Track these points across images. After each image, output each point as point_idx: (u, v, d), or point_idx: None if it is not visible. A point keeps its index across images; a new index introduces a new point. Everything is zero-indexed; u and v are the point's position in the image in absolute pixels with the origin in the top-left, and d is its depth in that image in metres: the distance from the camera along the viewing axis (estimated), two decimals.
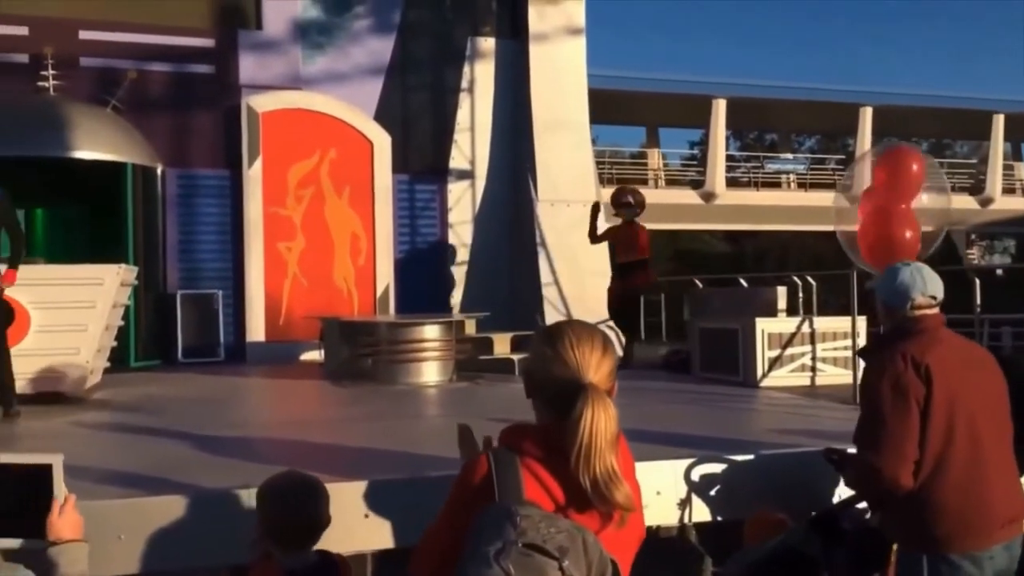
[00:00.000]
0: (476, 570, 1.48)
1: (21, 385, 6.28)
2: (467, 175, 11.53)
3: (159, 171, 10.17)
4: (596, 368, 1.78)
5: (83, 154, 9.42)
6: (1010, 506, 2.74)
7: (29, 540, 1.82)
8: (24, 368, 6.33)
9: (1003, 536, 2.71)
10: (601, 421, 1.68)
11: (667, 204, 25.29)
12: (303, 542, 2.39)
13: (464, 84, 11.61)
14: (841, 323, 7.46)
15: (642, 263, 9.07)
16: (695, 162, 31.16)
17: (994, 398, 2.83)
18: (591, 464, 1.66)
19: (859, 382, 2.92)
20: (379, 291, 10.85)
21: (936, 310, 2.91)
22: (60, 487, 1.87)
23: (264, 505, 2.43)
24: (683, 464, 4.22)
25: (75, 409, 6.29)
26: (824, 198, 26.68)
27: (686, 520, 4.19)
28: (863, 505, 3.15)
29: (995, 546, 2.69)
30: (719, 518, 4.19)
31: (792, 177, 30.79)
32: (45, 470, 1.87)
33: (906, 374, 2.71)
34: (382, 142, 10.93)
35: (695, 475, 4.21)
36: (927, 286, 2.88)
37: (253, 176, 10.35)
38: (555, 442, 1.71)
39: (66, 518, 1.86)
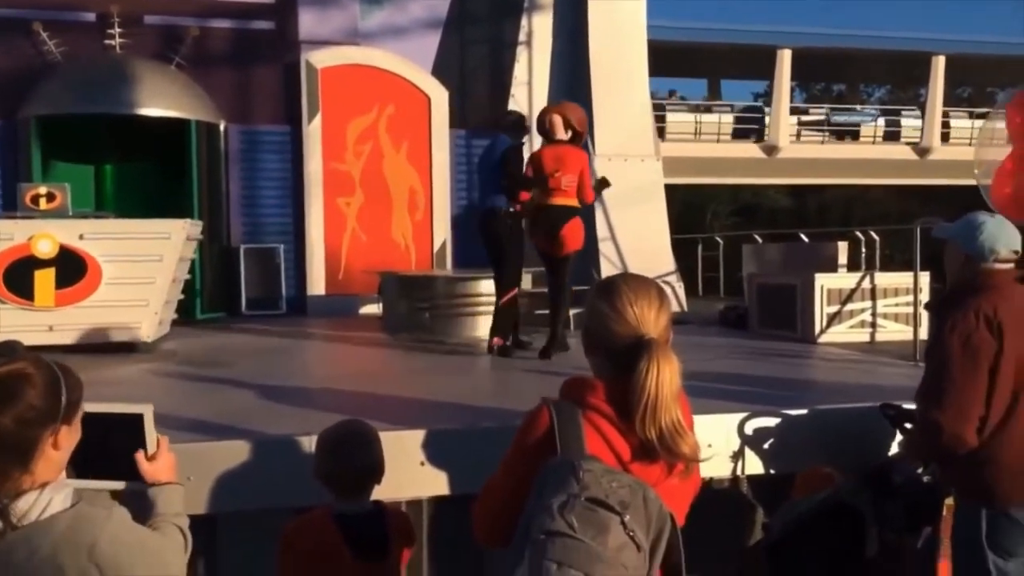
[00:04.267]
0: (540, 523, 1.51)
1: (94, 336, 6.54)
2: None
3: (222, 127, 10.35)
4: (655, 322, 1.78)
5: (150, 111, 9.63)
6: None
7: (131, 483, 1.93)
8: (97, 319, 6.58)
9: None
10: (666, 375, 1.68)
11: (728, 158, 24.88)
12: (355, 489, 2.46)
13: (522, 37, 11.50)
14: (903, 279, 7.32)
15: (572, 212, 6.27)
16: (757, 114, 30.44)
17: None
18: (657, 418, 1.67)
19: (928, 337, 2.87)
20: (436, 246, 10.94)
21: (1012, 265, 2.86)
22: (152, 435, 1.97)
23: (319, 452, 2.52)
24: (737, 418, 4.23)
25: (145, 358, 6.53)
26: (894, 151, 25.94)
27: (739, 472, 4.21)
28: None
29: None
30: (772, 471, 4.21)
31: (861, 129, 29.91)
32: (137, 419, 1.97)
33: (978, 331, 2.68)
34: (439, 97, 10.93)
35: (749, 429, 4.22)
36: (1012, 239, 2.84)
37: (312, 132, 10.46)
38: (616, 396, 1.72)
39: (161, 461, 1.95)
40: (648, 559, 1.54)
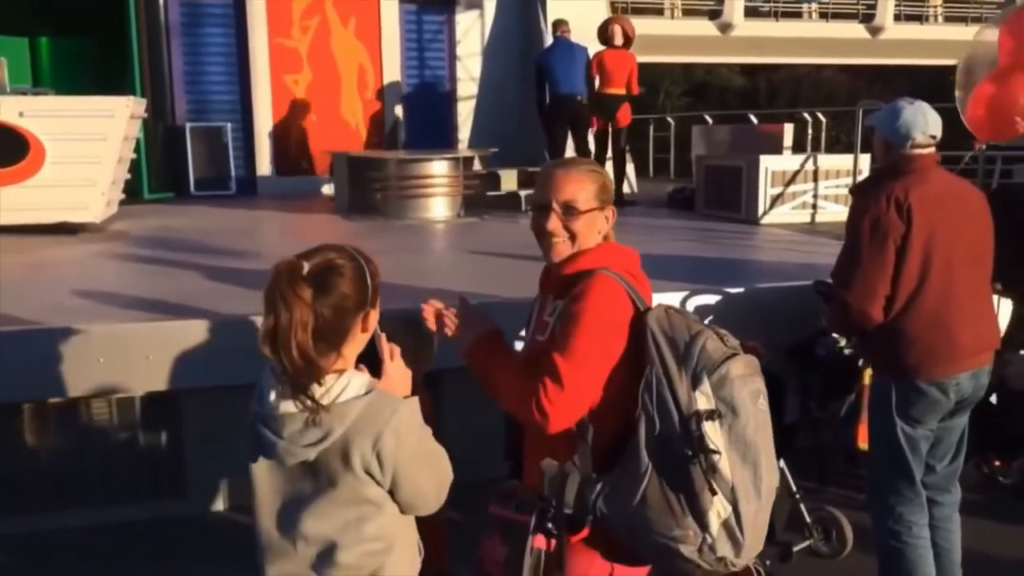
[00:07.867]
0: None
1: (41, 216, 6.46)
2: (475, 5, 11.19)
3: None
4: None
5: None
6: (979, 339, 2.89)
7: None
8: (43, 200, 6.49)
9: (970, 365, 2.87)
10: None
11: (682, 36, 24.50)
12: None
13: None
14: (844, 161, 7.49)
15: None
16: None
17: (975, 238, 2.92)
18: None
19: (847, 219, 3.02)
20: (388, 126, 10.81)
21: (932, 149, 2.95)
22: (384, 343, 1.84)
23: None
24: (677, 297, 4.42)
25: (94, 239, 6.49)
26: (845, 29, 25.77)
27: None
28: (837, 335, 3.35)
29: (961, 374, 2.85)
30: None
31: (814, 7, 29.53)
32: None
33: (887, 214, 2.80)
34: None
35: (689, 307, 4.42)
36: (929, 125, 2.92)
37: (256, 4, 10.10)
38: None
39: (394, 371, 1.83)
40: None
